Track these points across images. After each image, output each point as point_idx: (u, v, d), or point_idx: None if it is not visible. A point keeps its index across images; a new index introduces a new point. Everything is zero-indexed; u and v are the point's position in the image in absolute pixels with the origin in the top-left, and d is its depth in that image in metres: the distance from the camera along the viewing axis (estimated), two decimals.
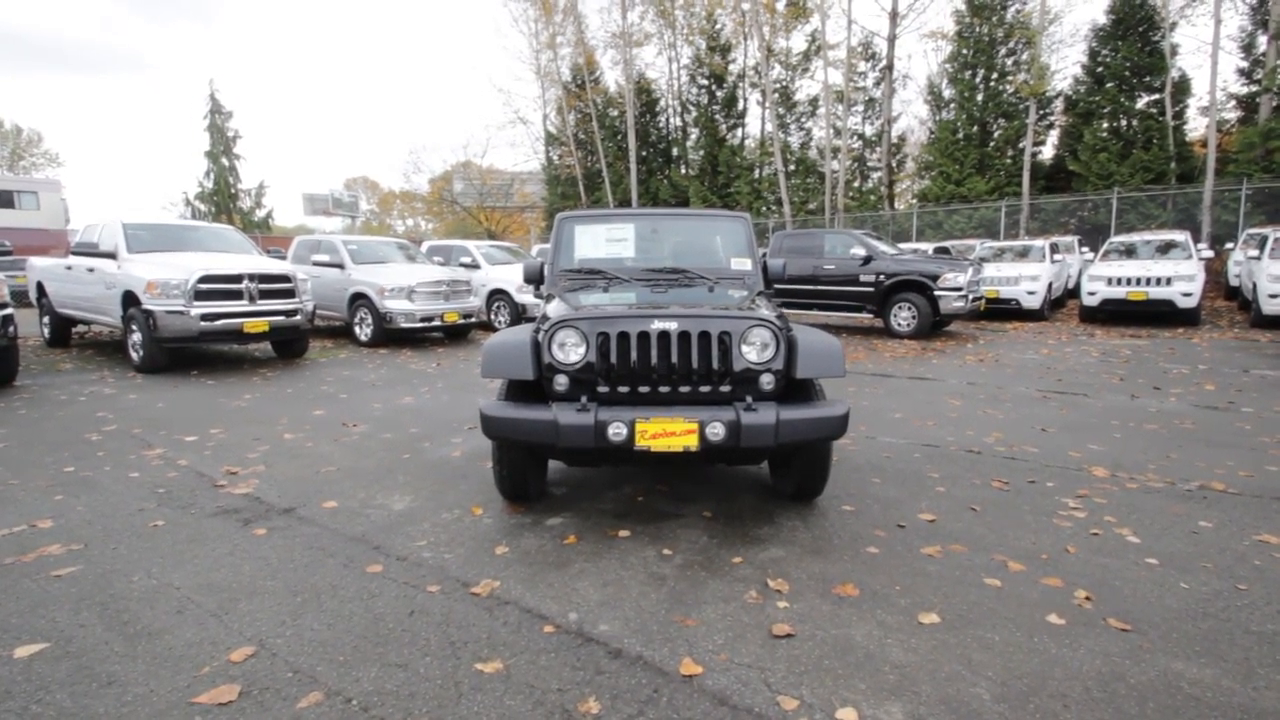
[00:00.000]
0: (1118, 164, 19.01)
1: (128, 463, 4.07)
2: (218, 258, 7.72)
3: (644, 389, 2.90)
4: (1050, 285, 13.14)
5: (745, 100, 27.98)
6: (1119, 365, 7.66)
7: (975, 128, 21.37)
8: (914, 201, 23.76)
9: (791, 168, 25.35)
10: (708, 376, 2.90)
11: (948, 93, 22.36)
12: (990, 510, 3.27)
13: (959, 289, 9.92)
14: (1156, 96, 19.09)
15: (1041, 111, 20.86)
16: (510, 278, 11.27)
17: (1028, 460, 4.11)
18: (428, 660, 2.00)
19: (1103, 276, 11.67)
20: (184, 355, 8.38)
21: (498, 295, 11.33)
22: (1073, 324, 12.24)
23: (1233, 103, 19.56)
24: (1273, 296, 10.03)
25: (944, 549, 2.83)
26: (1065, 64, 21.46)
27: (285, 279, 7.67)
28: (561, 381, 2.90)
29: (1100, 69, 19.91)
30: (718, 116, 28.12)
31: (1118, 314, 11.81)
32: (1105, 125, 19.73)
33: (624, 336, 2.89)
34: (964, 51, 21.41)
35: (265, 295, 7.47)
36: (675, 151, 30.26)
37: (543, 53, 30.09)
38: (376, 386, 6.46)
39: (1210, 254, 12.64)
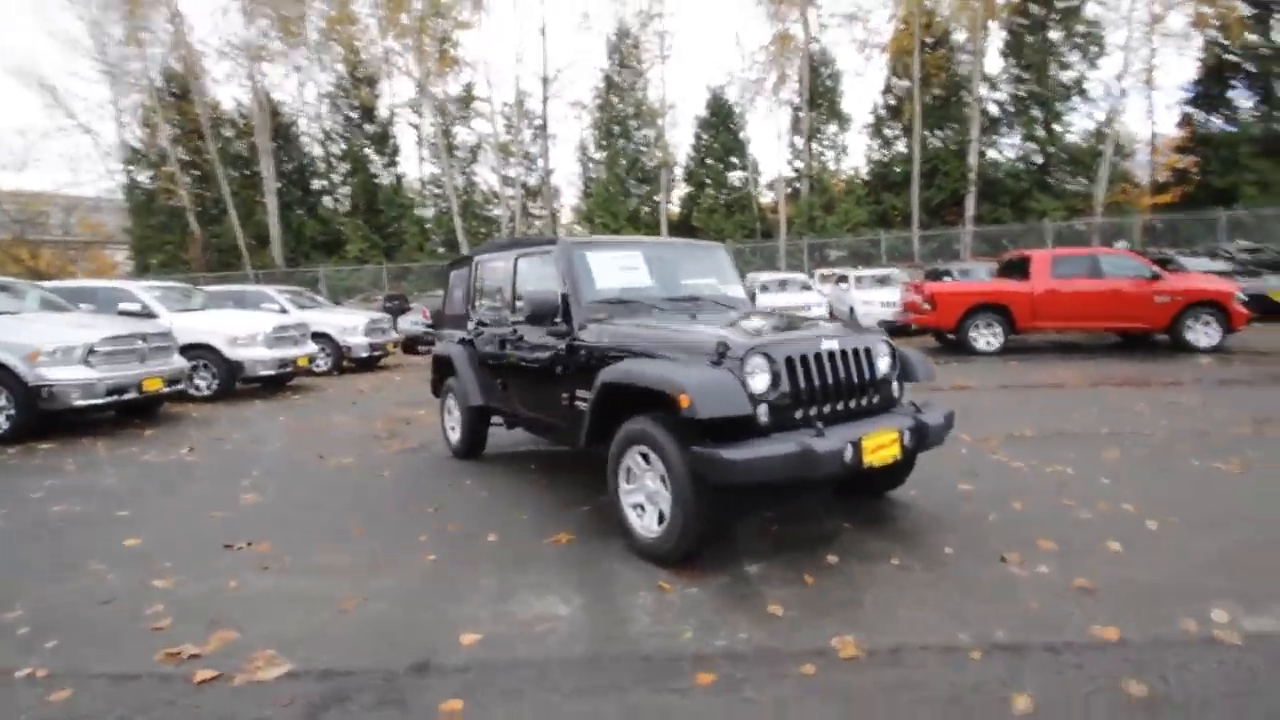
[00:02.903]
0: (725, 222, 24.53)
1: None
2: None
3: (825, 409, 2.87)
4: None
5: (396, 138, 26.78)
6: None
7: (622, 184, 24.88)
8: None
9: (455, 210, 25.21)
10: (863, 390, 3.03)
11: (597, 155, 25.50)
12: None
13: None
14: (742, 173, 25.38)
15: (670, 178, 25.55)
16: (220, 327, 8.57)
17: None
18: None
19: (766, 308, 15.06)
20: None
21: (198, 351, 8.44)
22: None
23: (790, 180, 27.25)
24: (866, 304, 14.40)
25: None
26: (685, 139, 26.55)
27: None
28: (764, 411, 2.65)
29: (704, 149, 25.48)
30: (368, 150, 26.20)
31: None
32: (711, 192, 25.27)
33: (805, 359, 2.82)
34: (606, 122, 24.81)
35: None
36: (316, 184, 26.93)
37: (113, 48, 23.43)
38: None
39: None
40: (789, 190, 25.25)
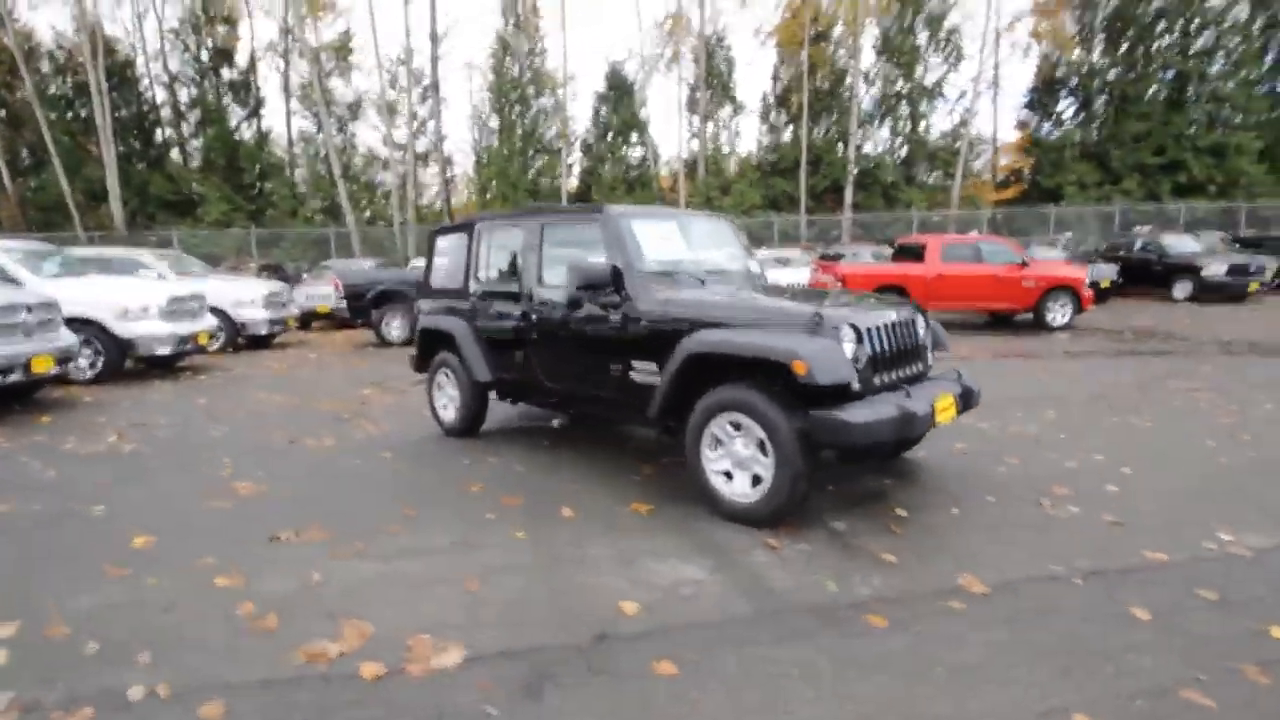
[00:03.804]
0: (625, 198, 24.61)
1: None
2: None
3: (891, 375, 3.12)
4: None
5: (260, 87, 23.96)
6: None
7: (523, 157, 24.13)
8: None
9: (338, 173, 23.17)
10: (915, 356, 3.33)
11: (493, 122, 24.47)
12: None
13: None
14: (642, 150, 25.55)
15: (569, 151, 25.13)
16: (106, 298, 7.32)
17: None
18: None
19: None
20: None
21: (78, 327, 7.16)
22: None
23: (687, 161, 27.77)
24: None
25: None
26: (584, 113, 26.21)
27: None
28: (857, 378, 2.85)
29: (603, 124, 25.30)
30: (226, 100, 23.25)
31: None
32: (609, 169, 25.23)
33: (877, 330, 3.05)
34: (502, 88, 23.84)
35: None
36: (161, 136, 23.51)
37: None
38: None
39: None
40: (686, 170, 25.81)
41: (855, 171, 24.67)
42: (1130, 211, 22.19)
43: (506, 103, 24.05)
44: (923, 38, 25.52)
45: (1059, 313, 11.44)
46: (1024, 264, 11.69)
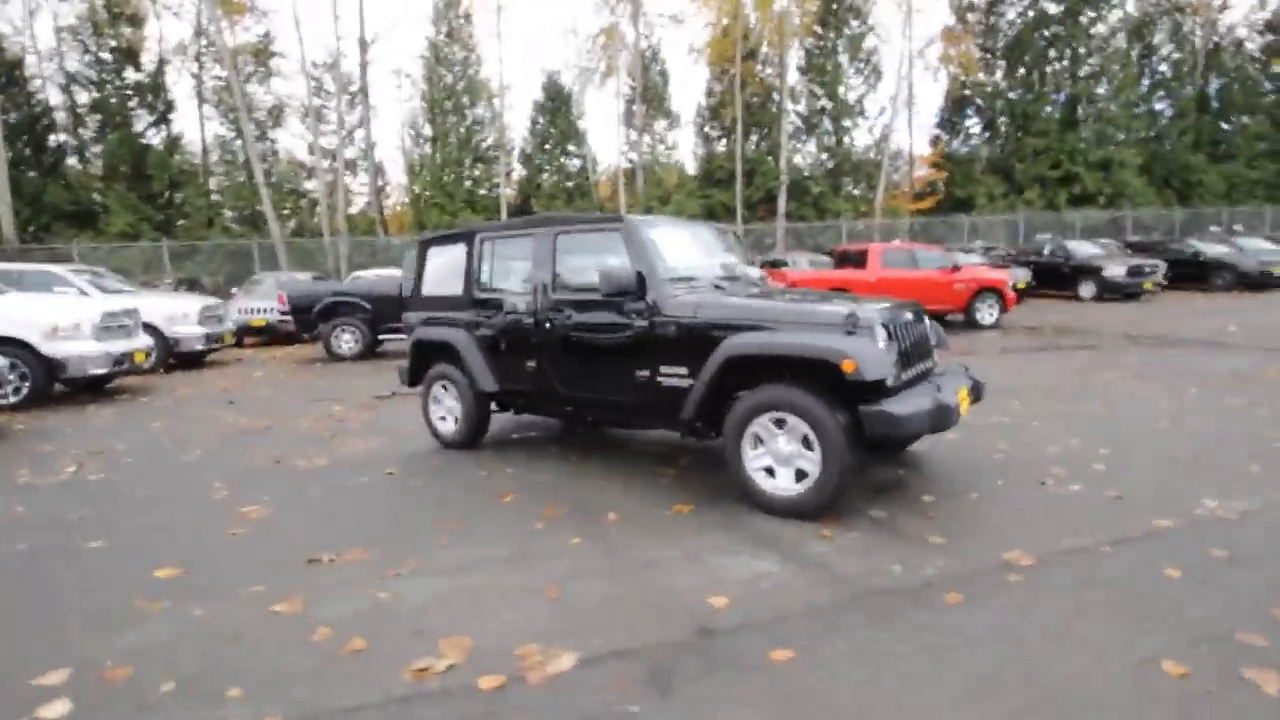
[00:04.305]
0: (565, 207, 24.58)
1: None
2: None
3: (912, 371, 3.33)
4: None
5: (169, 90, 22.39)
6: None
7: (459, 167, 23.65)
8: (419, 231, 24.28)
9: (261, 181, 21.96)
10: (927, 353, 3.56)
11: (427, 130, 23.87)
12: None
13: None
14: (580, 161, 25.58)
15: (507, 160, 24.84)
16: (32, 315, 6.63)
17: None
18: None
19: None
20: None
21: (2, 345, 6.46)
22: None
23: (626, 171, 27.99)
24: None
25: None
26: (521, 123, 25.96)
27: None
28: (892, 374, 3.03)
29: (540, 133, 25.19)
30: (132, 104, 21.61)
31: None
32: (547, 178, 25.13)
33: (900, 328, 3.25)
34: (435, 97, 23.33)
35: None
36: (55, 140, 21.56)
37: None
38: None
39: None
40: (625, 181, 26.05)
41: (787, 182, 25.64)
42: (1033, 220, 24.16)
43: (440, 111, 23.53)
44: (844, 59, 26.89)
45: (987, 313, 12.31)
46: (956, 268, 12.54)
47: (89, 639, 2.22)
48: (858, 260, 12.89)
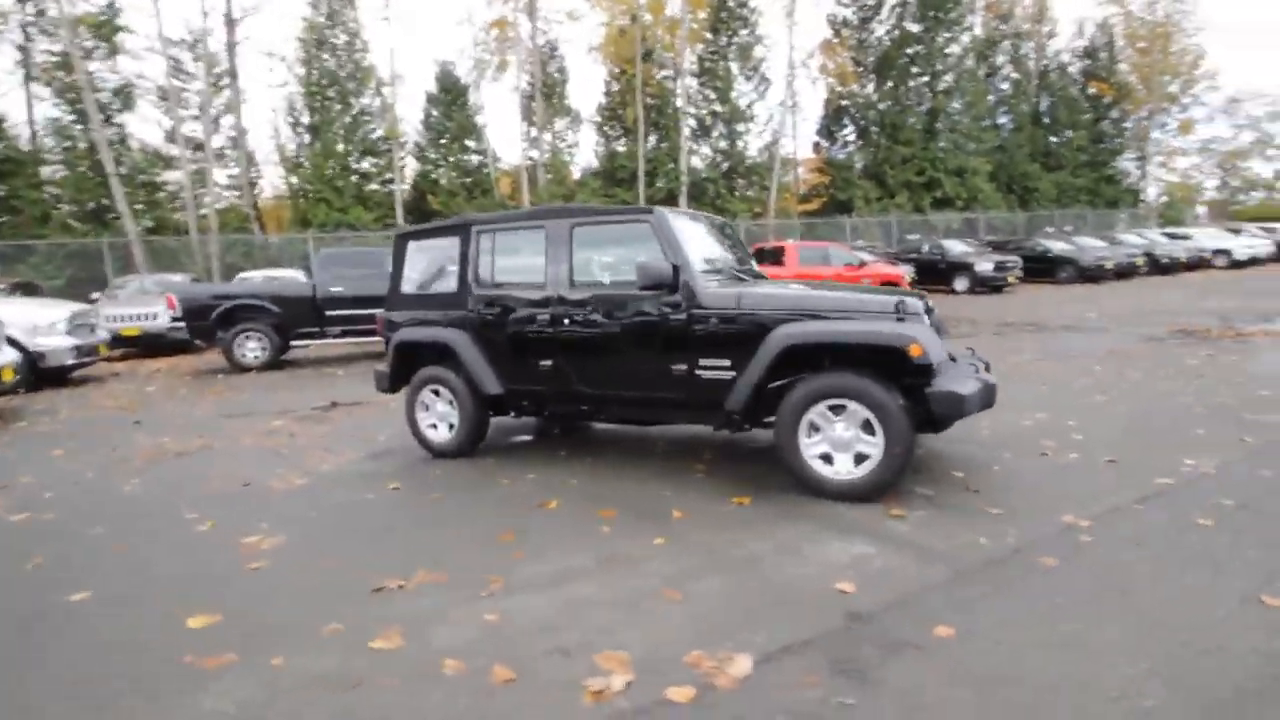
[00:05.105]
0: (466, 204, 23.62)
1: None
2: None
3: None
4: None
5: None
6: None
7: (345, 159, 21.98)
8: (302, 229, 22.19)
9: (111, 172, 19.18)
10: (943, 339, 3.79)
11: (306, 118, 21.98)
12: None
13: None
14: (479, 156, 24.67)
15: (400, 154, 23.44)
16: None
17: None
18: None
19: None
20: None
21: None
22: None
23: (529, 168, 27.30)
24: None
25: None
26: (414, 114, 24.47)
27: None
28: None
29: (435, 127, 24.03)
30: None
31: None
32: (448, 173, 24.03)
33: (928, 314, 3.44)
34: (316, 81, 21.56)
35: None
36: None
37: None
38: None
39: None
40: (527, 177, 25.47)
41: (687, 183, 26.27)
42: (903, 221, 26.47)
43: (321, 98, 21.76)
44: (734, 65, 27.98)
45: None
46: (862, 264, 13.48)
47: (158, 711, 1.83)
48: (775, 257, 13.48)
